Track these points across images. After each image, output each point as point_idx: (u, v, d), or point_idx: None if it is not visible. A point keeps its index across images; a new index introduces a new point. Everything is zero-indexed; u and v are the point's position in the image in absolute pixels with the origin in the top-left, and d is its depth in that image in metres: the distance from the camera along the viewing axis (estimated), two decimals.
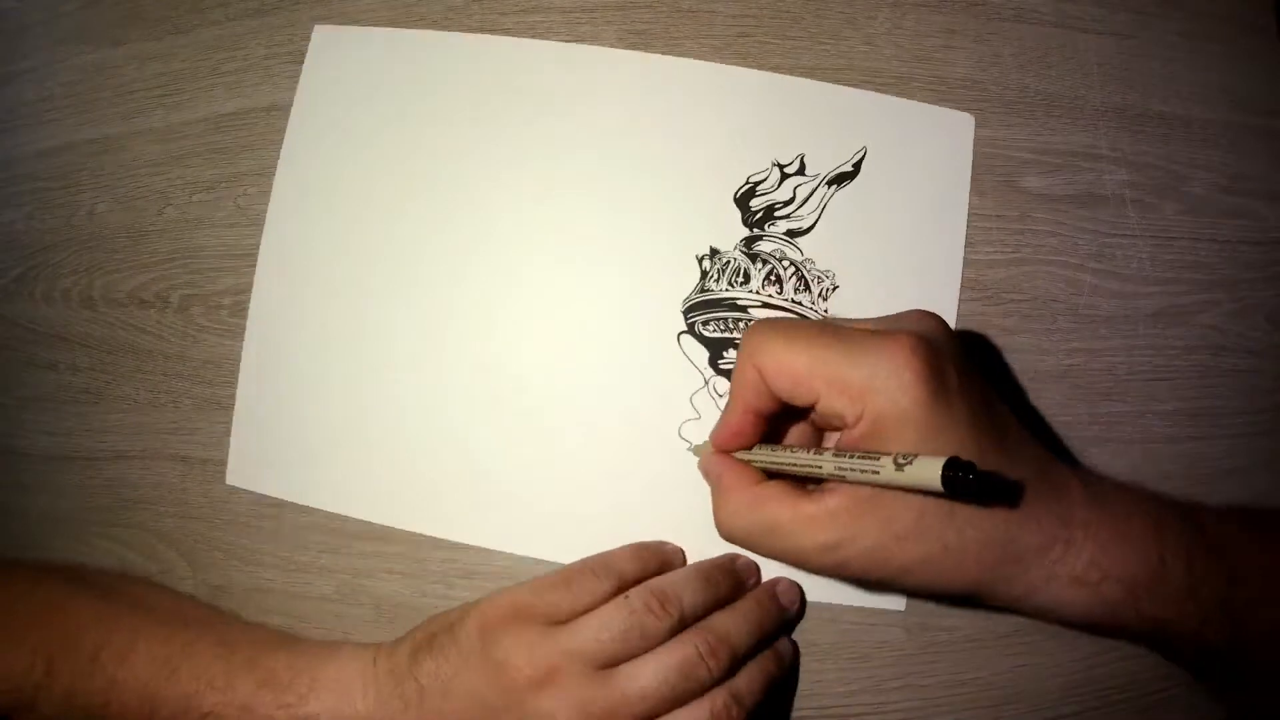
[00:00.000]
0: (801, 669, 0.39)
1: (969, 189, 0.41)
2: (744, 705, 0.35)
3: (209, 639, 0.36)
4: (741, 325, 0.40)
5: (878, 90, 0.41)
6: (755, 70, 0.41)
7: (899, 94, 0.41)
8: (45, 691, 0.34)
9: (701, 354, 0.40)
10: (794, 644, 0.39)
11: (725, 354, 0.40)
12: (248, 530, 0.41)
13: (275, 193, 0.42)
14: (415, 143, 0.42)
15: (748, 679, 0.35)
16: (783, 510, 0.32)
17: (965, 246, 0.41)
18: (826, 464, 0.30)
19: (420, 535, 0.40)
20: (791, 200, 0.40)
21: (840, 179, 0.40)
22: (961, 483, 0.26)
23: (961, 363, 0.31)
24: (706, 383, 0.40)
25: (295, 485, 0.41)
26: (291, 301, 0.41)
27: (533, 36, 0.42)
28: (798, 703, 0.39)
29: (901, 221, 0.40)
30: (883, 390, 0.30)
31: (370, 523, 0.40)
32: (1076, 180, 0.41)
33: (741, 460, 0.35)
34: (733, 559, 0.38)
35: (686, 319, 0.40)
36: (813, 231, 0.40)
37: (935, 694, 0.39)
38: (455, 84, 0.42)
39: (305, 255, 0.42)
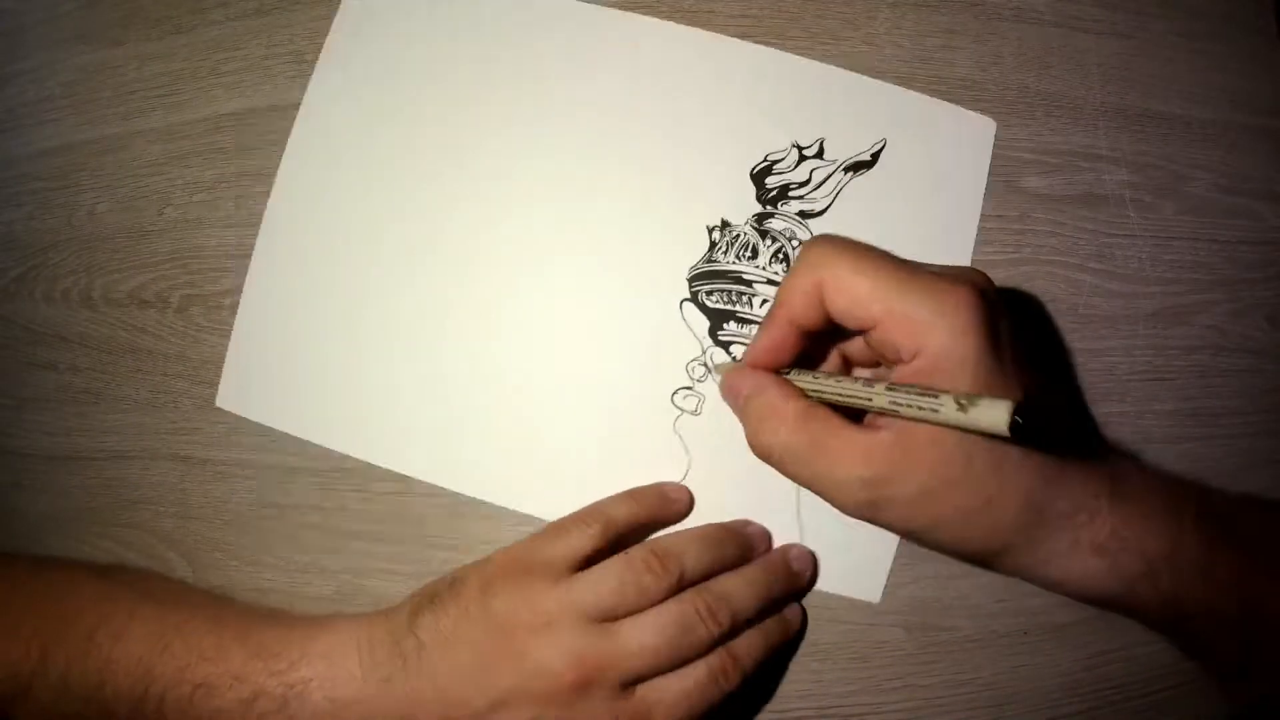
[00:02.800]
0: (801, 669, 0.39)
1: (984, 192, 0.41)
2: (742, 667, 0.35)
3: (202, 615, 0.36)
4: (744, 299, 0.40)
5: (904, 85, 0.41)
6: (785, 52, 0.42)
7: (925, 90, 0.41)
8: (40, 678, 0.34)
9: (702, 324, 0.40)
10: (804, 610, 0.39)
11: (725, 325, 0.40)
12: (248, 530, 0.41)
13: (289, 150, 0.42)
14: (436, 98, 0.42)
15: (748, 642, 0.35)
16: (830, 432, 0.31)
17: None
18: (879, 396, 0.30)
19: (413, 494, 0.40)
20: (807, 182, 0.41)
21: (857, 167, 0.41)
22: (1028, 429, 0.25)
23: (1009, 321, 0.31)
24: (704, 352, 0.40)
25: (284, 415, 0.41)
26: (296, 249, 0.42)
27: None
28: (798, 703, 0.39)
29: (912, 216, 0.41)
30: (944, 330, 0.30)
31: (357, 461, 0.40)
32: (1076, 180, 0.41)
33: (783, 378, 0.34)
34: (745, 524, 0.38)
35: (691, 287, 0.40)
36: (825, 215, 0.41)
37: (935, 694, 0.39)
38: (482, 35, 0.42)
39: (312, 210, 0.42)
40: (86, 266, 0.43)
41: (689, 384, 0.40)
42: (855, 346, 0.35)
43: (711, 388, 0.40)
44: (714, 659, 0.34)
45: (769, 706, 0.39)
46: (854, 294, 0.31)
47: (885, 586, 0.39)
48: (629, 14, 0.42)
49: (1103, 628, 0.39)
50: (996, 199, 0.41)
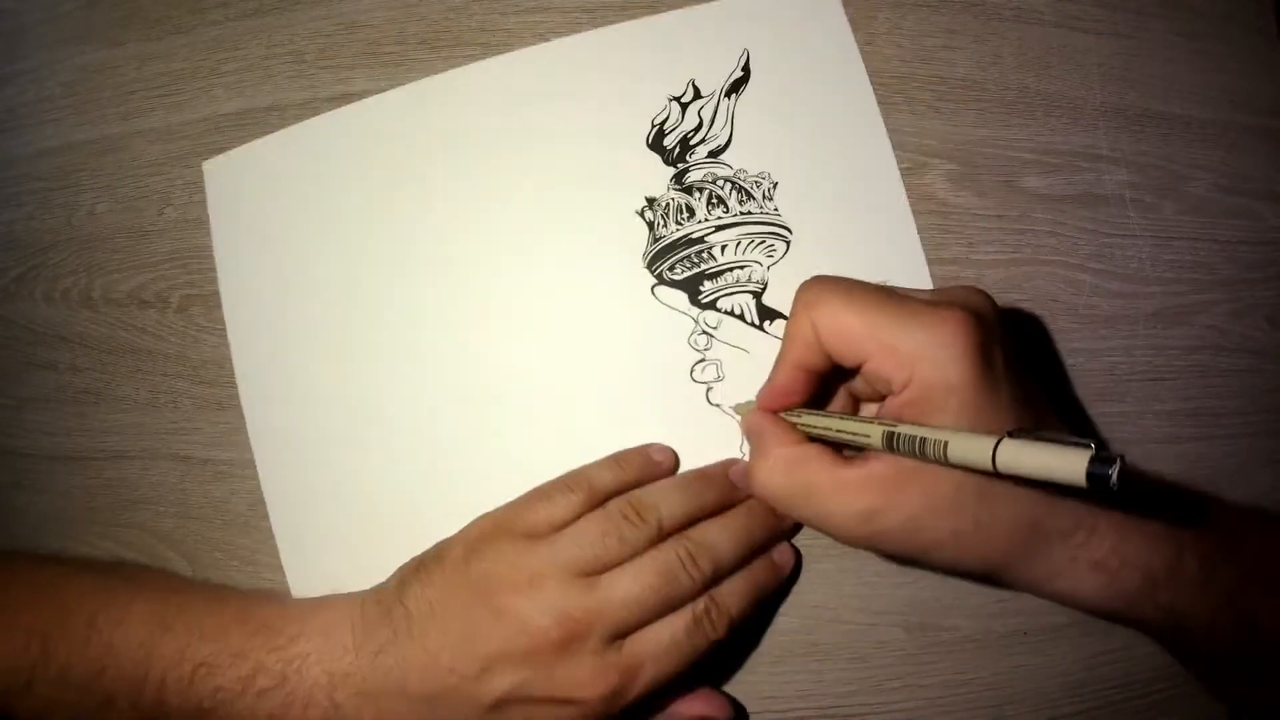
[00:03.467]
0: (801, 669, 0.39)
1: (860, 59, 0.41)
2: (727, 611, 0.35)
3: (202, 597, 0.37)
4: (705, 255, 0.40)
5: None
6: (614, 25, 0.42)
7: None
8: (41, 671, 0.34)
9: (680, 297, 0.40)
10: (795, 551, 0.38)
11: (701, 287, 0.40)
12: (248, 530, 0.41)
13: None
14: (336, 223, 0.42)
15: (732, 587, 0.36)
16: (822, 473, 0.32)
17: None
18: (874, 433, 0.31)
19: None
20: (700, 124, 0.41)
21: (735, 87, 0.41)
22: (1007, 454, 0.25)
23: (1006, 345, 0.32)
24: (696, 320, 0.40)
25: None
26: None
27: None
28: (798, 703, 0.39)
29: (806, 103, 0.41)
30: (933, 360, 0.30)
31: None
32: (1076, 180, 0.41)
33: (786, 421, 0.34)
34: (726, 465, 0.38)
35: (652, 271, 0.40)
36: (732, 145, 0.41)
37: (935, 694, 0.39)
38: (379, 146, 0.42)
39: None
40: (86, 266, 0.43)
41: (700, 355, 0.40)
42: (860, 384, 0.35)
43: (724, 350, 0.40)
44: (699, 605, 0.34)
45: (769, 706, 0.39)
46: (845, 331, 0.31)
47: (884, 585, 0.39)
48: (473, 65, 0.42)
49: (1103, 628, 0.39)
50: (996, 199, 0.41)
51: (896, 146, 0.41)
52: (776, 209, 0.40)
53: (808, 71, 0.41)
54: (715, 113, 0.41)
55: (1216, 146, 0.42)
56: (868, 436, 0.31)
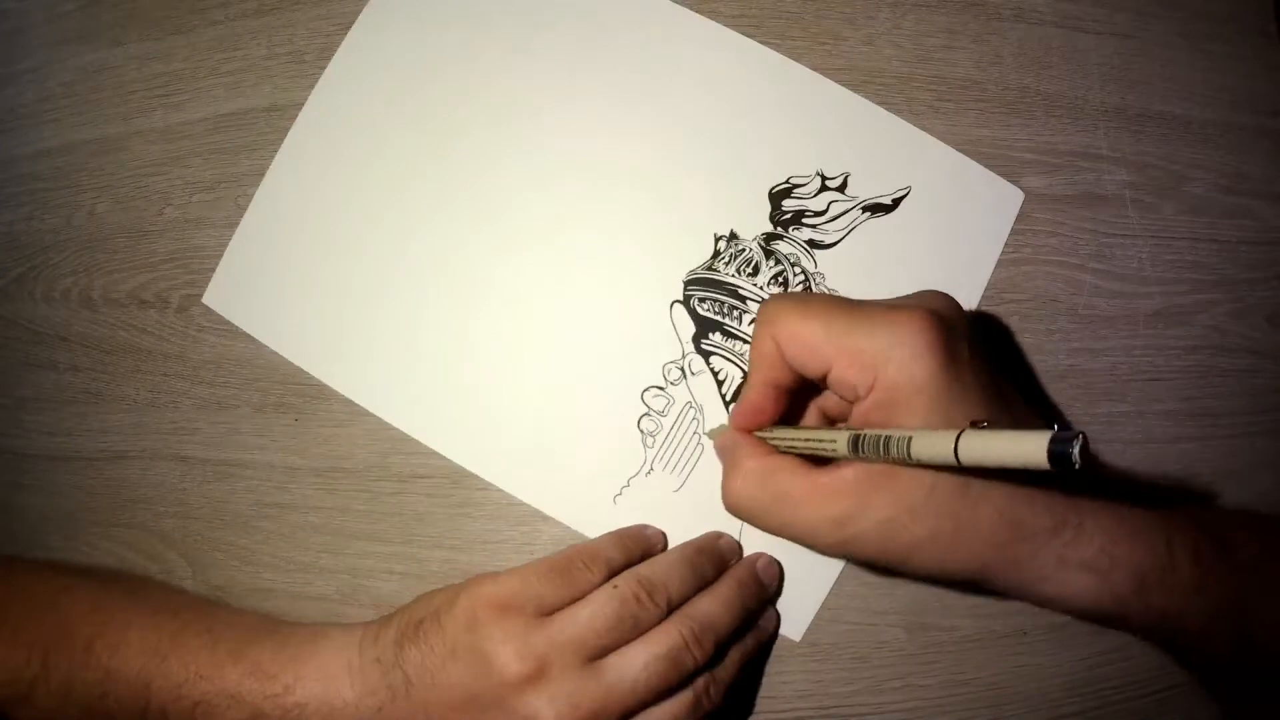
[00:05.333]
0: (801, 669, 0.39)
1: (998, 258, 0.41)
2: (723, 686, 0.35)
3: (195, 628, 0.36)
4: (735, 314, 0.40)
5: (942, 141, 0.41)
6: (827, 79, 0.41)
7: (947, 140, 0.41)
8: (42, 684, 0.34)
9: (688, 328, 0.40)
10: (777, 614, 0.39)
11: (710, 335, 0.40)
12: (248, 530, 0.41)
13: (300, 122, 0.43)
14: (460, 84, 0.42)
15: (728, 665, 0.36)
16: (794, 482, 0.32)
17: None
18: (840, 440, 0.30)
19: (378, 428, 0.40)
20: (824, 212, 0.40)
21: (876, 209, 0.40)
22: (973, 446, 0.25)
23: (972, 340, 0.31)
24: (683, 356, 0.40)
25: (268, 326, 0.41)
26: (308, 186, 0.42)
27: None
28: (798, 703, 0.39)
29: (921, 268, 0.40)
30: (895, 360, 0.30)
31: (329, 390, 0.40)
32: (1076, 180, 0.41)
33: (755, 437, 0.34)
34: (716, 537, 0.38)
35: (685, 290, 0.40)
36: (834, 249, 0.40)
37: (935, 694, 0.39)
38: (498, 26, 0.42)
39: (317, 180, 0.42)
40: (86, 266, 0.43)
41: (661, 384, 0.40)
42: (830, 401, 0.35)
43: (682, 392, 0.40)
44: (699, 684, 0.34)
45: (769, 706, 0.39)
46: (805, 340, 0.31)
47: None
48: (667, 4, 0.42)
49: (1103, 628, 0.39)
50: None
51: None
52: None
53: (942, 245, 0.41)
54: (843, 214, 0.40)
55: (1216, 146, 0.42)
56: (834, 442, 0.31)
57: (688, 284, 0.40)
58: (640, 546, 0.38)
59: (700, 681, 0.34)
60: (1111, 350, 0.41)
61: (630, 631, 0.34)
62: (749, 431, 0.35)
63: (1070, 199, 0.41)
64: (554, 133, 0.41)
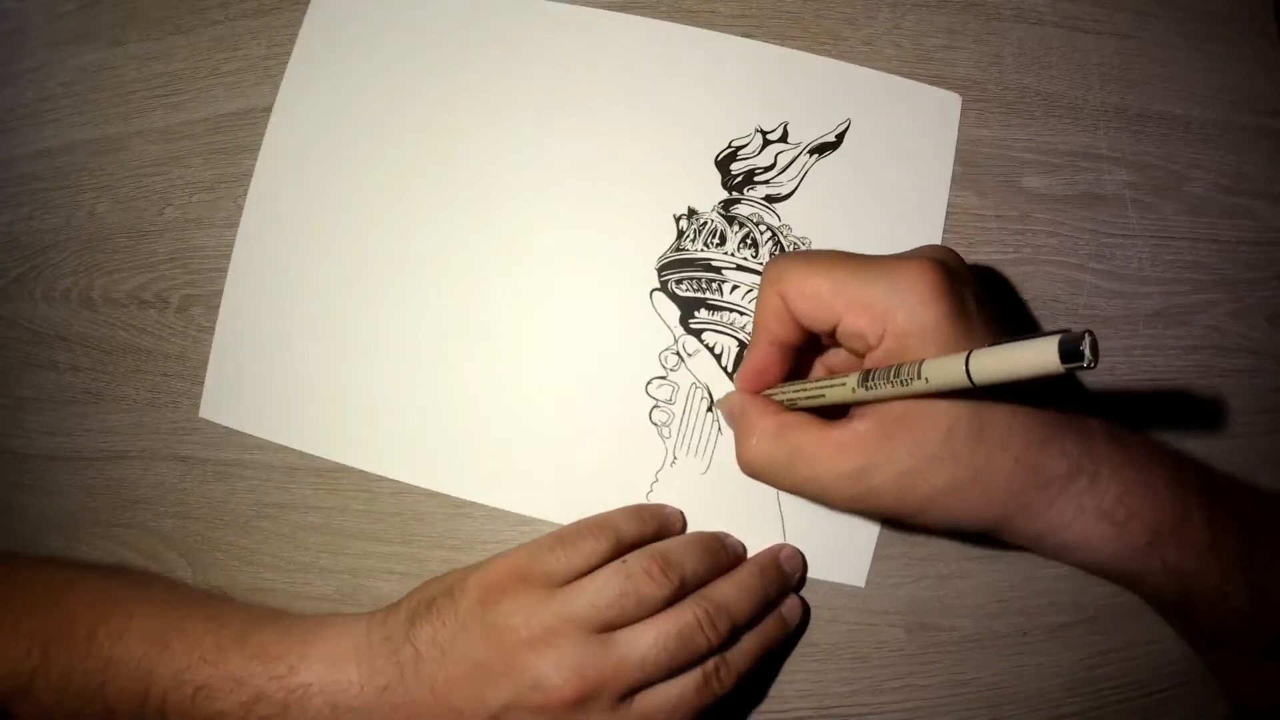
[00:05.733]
0: (801, 669, 0.39)
1: (951, 168, 0.41)
2: (736, 671, 0.35)
3: (200, 615, 0.36)
4: (714, 286, 0.40)
5: (868, 65, 0.41)
6: (746, 39, 0.41)
7: (888, 70, 0.41)
8: (42, 676, 0.34)
9: (673, 312, 0.40)
10: (803, 602, 0.39)
11: (696, 313, 0.40)
12: (248, 530, 0.41)
13: (263, 154, 0.42)
14: (405, 99, 0.42)
15: (743, 649, 0.36)
16: (809, 436, 0.32)
17: (946, 233, 0.41)
18: (851, 382, 0.30)
19: (407, 509, 0.40)
20: (772, 166, 0.40)
21: (822, 149, 0.41)
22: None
23: (977, 288, 0.31)
24: (676, 340, 0.40)
25: (267, 422, 0.41)
26: (276, 251, 0.42)
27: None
28: (798, 703, 0.39)
29: (880, 196, 0.40)
30: (904, 307, 0.30)
31: (347, 469, 0.40)
32: (1076, 180, 0.41)
33: (766, 397, 0.34)
34: (725, 536, 0.38)
35: (660, 276, 0.40)
36: (791, 199, 0.41)
37: (935, 694, 0.39)
38: (442, 34, 0.42)
39: (292, 207, 0.42)
40: (86, 266, 0.43)
41: (662, 373, 0.40)
42: (838, 357, 0.35)
43: (684, 376, 0.40)
44: (709, 665, 0.34)
45: (769, 706, 0.39)
46: (814, 295, 0.31)
47: (870, 572, 0.39)
48: (587, 9, 0.42)
49: (1103, 628, 0.39)
50: (996, 199, 0.41)
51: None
52: None
53: (895, 168, 0.40)
54: (791, 163, 0.40)
55: (1216, 146, 0.42)
56: (844, 385, 0.30)
57: (660, 269, 0.40)
58: (656, 521, 0.37)
59: (710, 663, 0.34)
60: (1111, 350, 0.41)
61: (636, 607, 0.34)
62: (755, 393, 0.34)
63: (1070, 199, 0.41)
64: (499, 152, 0.41)
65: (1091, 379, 0.41)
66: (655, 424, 0.40)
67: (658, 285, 0.40)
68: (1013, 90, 0.42)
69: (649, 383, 0.40)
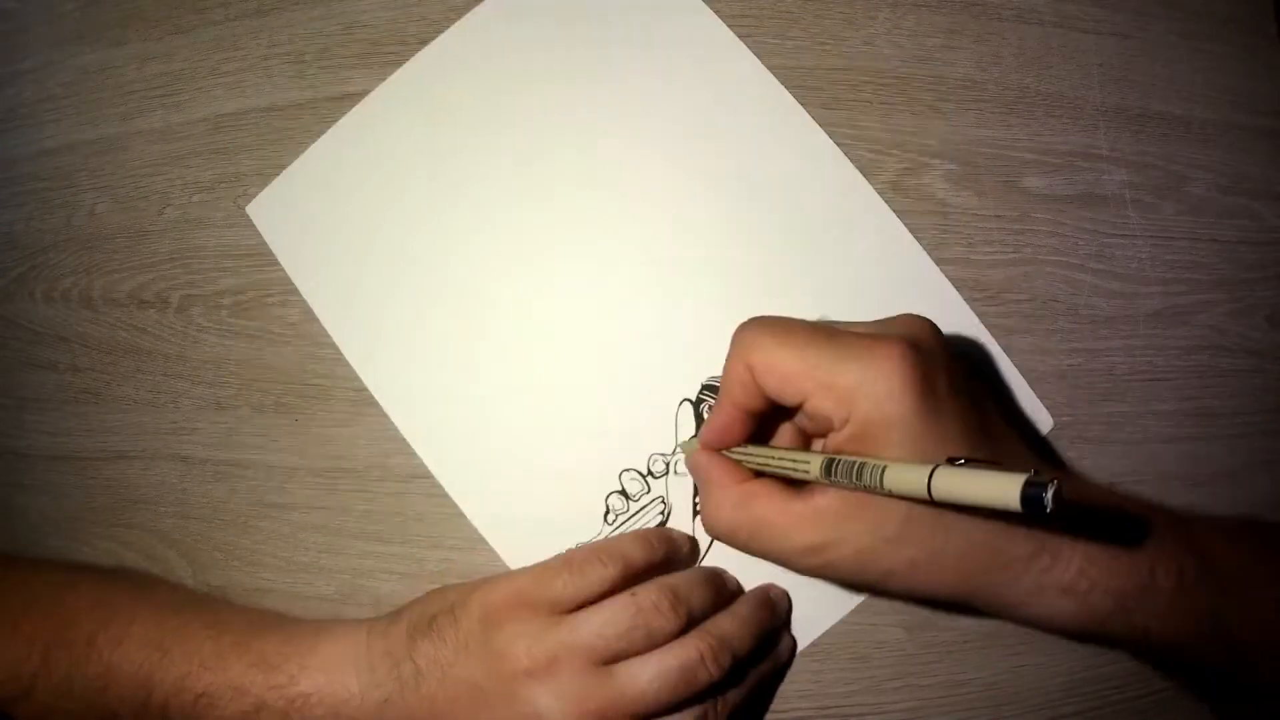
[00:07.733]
0: (801, 669, 0.39)
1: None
2: (730, 705, 0.35)
3: (200, 621, 0.36)
4: None
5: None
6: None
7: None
8: (43, 679, 0.34)
9: (688, 428, 0.40)
10: (793, 639, 0.39)
11: None
12: (248, 530, 0.41)
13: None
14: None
15: (740, 690, 0.35)
16: (770, 508, 0.32)
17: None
18: (814, 467, 0.30)
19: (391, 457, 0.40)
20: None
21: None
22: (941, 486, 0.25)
23: (951, 369, 0.31)
24: (673, 453, 0.39)
25: (298, 258, 0.42)
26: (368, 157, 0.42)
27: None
28: (798, 703, 0.39)
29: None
30: (871, 395, 0.30)
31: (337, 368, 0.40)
32: (1076, 180, 0.41)
33: (730, 458, 0.34)
34: (723, 571, 0.38)
35: (700, 393, 0.40)
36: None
37: (935, 694, 0.39)
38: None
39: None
40: (86, 266, 0.43)
41: (644, 471, 0.39)
42: (805, 420, 0.35)
43: (659, 486, 0.39)
44: (706, 707, 0.34)
45: (769, 706, 0.39)
46: (782, 371, 0.31)
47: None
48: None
49: None
50: (996, 199, 0.41)
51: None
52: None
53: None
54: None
55: (1216, 146, 0.42)
56: (808, 465, 0.31)
57: (705, 387, 0.40)
58: (665, 547, 0.37)
59: (708, 704, 0.34)
60: (1111, 350, 0.41)
61: (644, 640, 0.33)
62: (720, 449, 0.34)
63: (1070, 199, 0.41)
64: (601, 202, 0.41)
65: (1091, 380, 0.41)
66: (607, 506, 0.39)
67: (693, 399, 0.40)
68: (1013, 90, 0.42)
69: (624, 471, 0.39)
